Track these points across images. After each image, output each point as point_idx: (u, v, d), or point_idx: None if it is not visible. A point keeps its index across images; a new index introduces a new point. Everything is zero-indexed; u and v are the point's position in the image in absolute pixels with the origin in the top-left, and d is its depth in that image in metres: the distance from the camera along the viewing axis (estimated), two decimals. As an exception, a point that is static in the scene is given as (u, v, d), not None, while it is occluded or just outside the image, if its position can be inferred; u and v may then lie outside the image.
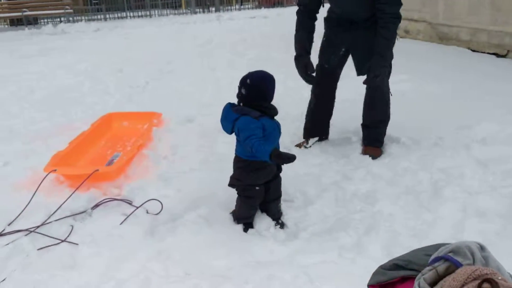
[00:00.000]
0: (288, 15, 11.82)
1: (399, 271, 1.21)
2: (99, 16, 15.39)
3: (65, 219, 2.72)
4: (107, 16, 15.38)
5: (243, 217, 2.63)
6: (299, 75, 3.32)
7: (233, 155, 2.60)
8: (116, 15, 15.55)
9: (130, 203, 2.86)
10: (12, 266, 2.34)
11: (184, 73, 6.42)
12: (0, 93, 5.65)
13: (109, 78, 6.28)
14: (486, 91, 4.73)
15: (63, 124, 4.38)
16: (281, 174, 2.64)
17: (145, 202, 2.80)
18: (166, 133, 3.92)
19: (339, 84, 3.59)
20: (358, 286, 1.53)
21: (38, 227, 2.64)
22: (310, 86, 3.53)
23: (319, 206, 2.76)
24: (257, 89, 2.42)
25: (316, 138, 3.64)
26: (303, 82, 3.37)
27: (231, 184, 2.61)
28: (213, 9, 16.28)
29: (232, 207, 2.70)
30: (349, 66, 3.51)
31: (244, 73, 2.49)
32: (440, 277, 1.06)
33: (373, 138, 3.48)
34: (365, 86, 3.35)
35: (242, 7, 17.23)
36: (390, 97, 3.42)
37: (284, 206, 2.74)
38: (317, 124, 3.66)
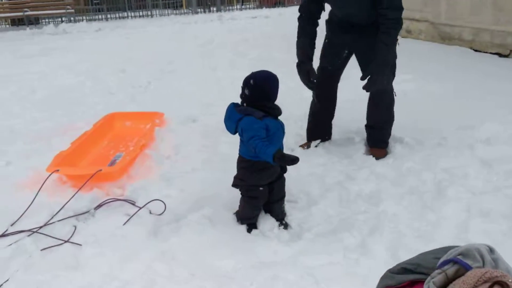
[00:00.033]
0: (290, 15, 11.83)
1: (408, 275, 1.20)
2: (100, 16, 15.39)
3: (68, 219, 2.71)
4: (108, 16, 15.38)
5: (247, 218, 2.62)
6: (301, 81, 3.31)
7: (236, 155, 2.59)
8: (117, 15, 15.54)
9: (133, 203, 2.85)
10: (15, 266, 2.33)
11: (186, 73, 6.42)
12: (2, 93, 5.64)
13: (111, 78, 6.27)
14: (488, 91, 4.72)
15: (65, 124, 4.37)
16: (284, 175, 2.63)
17: (148, 202, 2.79)
18: (168, 133, 3.91)
19: (340, 84, 3.58)
20: (364, 288, 1.52)
21: (41, 227, 2.63)
22: None
23: (323, 207, 2.75)
24: (260, 90, 2.41)
25: (318, 141, 3.63)
26: None
27: (234, 185, 2.61)
28: (214, 9, 16.28)
29: (236, 207, 2.69)
30: (350, 66, 3.50)
31: (245, 73, 2.48)
32: (449, 281, 1.05)
33: (378, 139, 3.47)
34: None
35: (243, 7, 17.20)
36: (395, 97, 3.41)
37: (287, 206, 2.74)
38: (320, 125, 3.65)
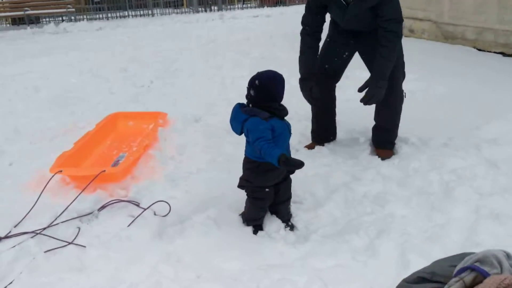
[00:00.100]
0: (291, 14, 11.79)
1: (425, 284, 1.17)
2: (101, 15, 15.39)
3: (71, 220, 2.69)
4: (109, 15, 15.38)
5: (253, 219, 2.60)
6: (303, 97, 3.31)
7: (241, 156, 2.56)
8: (118, 14, 15.53)
9: (137, 204, 2.83)
10: (19, 268, 2.30)
11: (189, 72, 6.39)
12: (5, 93, 5.62)
13: (113, 77, 6.24)
14: (493, 90, 4.70)
15: (68, 124, 4.35)
16: (290, 176, 2.60)
17: (153, 203, 2.77)
18: (172, 133, 3.88)
19: (344, 83, 3.55)
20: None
21: (44, 229, 2.61)
22: None
23: (328, 208, 2.72)
24: (266, 90, 2.37)
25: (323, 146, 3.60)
26: None
27: (240, 186, 2.58)
28: (216, 8, 16.26)
29: (241, 208, 2.66)
30: (351, 65, 3.47)
31: (248, 72, 2.47)
32: (467, 288, 1.03)
33: (385, 140, 3.43)
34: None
35: (244, 6, 17.19)
36: (404, 98, 3.36)
37: (293, 207, 2.71)
38: (323, 125, 3.62)
